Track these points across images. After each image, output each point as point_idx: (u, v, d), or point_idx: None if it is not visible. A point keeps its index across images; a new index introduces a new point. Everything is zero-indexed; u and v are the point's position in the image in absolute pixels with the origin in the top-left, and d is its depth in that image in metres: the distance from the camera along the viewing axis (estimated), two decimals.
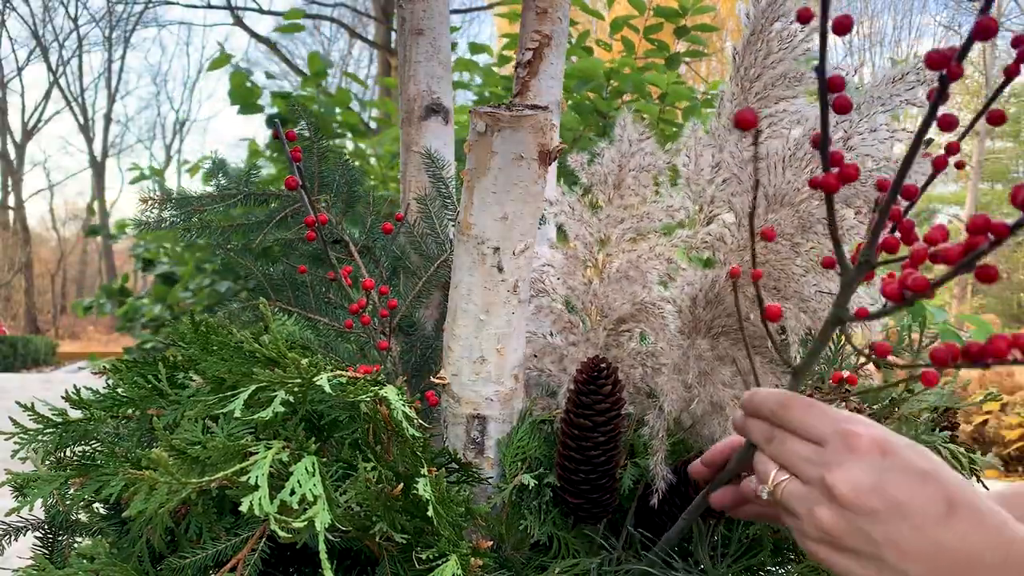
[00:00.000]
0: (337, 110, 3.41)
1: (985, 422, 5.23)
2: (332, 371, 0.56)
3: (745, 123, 0.45)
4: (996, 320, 7.28)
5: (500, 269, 0.68)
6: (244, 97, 3.21)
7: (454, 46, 4.25)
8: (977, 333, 1.44)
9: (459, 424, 0.72)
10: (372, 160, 3.28)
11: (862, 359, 0.85)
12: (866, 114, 0.63)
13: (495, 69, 3.19)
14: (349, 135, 3.51)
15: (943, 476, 0.45)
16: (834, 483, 0.46)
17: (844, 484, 0.45)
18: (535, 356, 0.79)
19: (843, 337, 0.82)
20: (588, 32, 3.19)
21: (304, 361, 0.55)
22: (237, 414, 0.52)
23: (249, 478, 0.48)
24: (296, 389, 0.55)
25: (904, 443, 0.47)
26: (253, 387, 0.54)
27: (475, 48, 3.20)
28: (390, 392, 0.57)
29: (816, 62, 0.43)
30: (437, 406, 0.76)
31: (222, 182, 0.96)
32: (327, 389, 0.54)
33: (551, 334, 0.79)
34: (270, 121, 3.22)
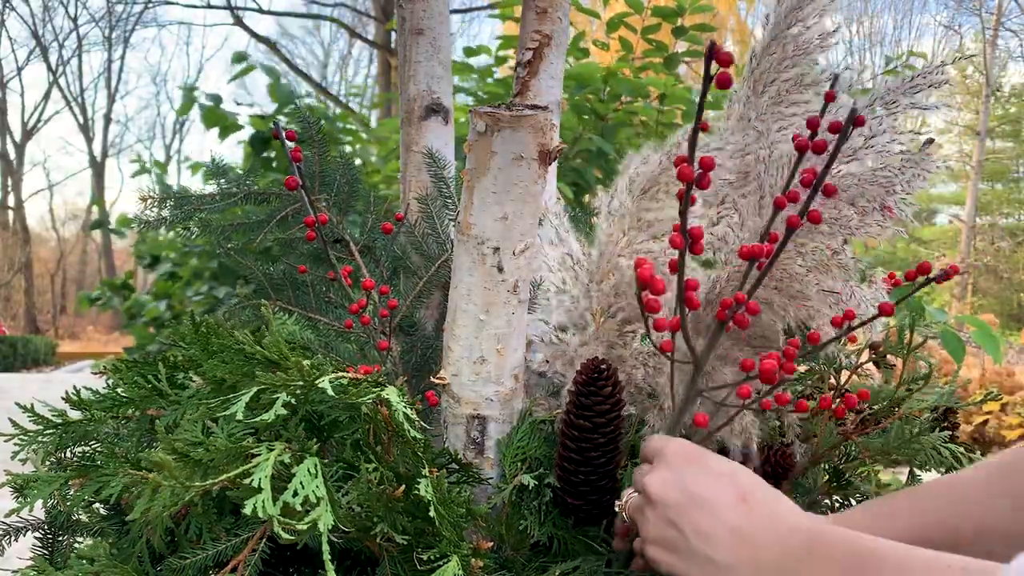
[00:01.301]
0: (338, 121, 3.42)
1: (985, 422, 5.23)
2: (334, 373, 0.56)
3: None
4: (995, 320, 7.28)
5: (500, 269, 0.68)
6: (217, 120, 3.23)
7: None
8: (977, 335, 1.43)
9: (459, 424, 0.72)
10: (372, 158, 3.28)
11: (862, 359, 0.85)
12: (886, 115, 0.63)
13: (493, 69, 3.18)
14: (357, 125, 3.51)
15: (737, 477, 0.53)
16: (646, 485, 0.55)
17: (652, 484, 0.55)
18: (546, 361, 0.79)
19: (844, 339, 0.82)
20: (584, 33, 3.18)
21: (306, 363, 0.55)
22: (239, 417, 0.52)
23: (252, 480, 0.48)
24: (298, 391, 0.55)
25: (711, 454, 0.56)
26: (255, 389, 0.54)
27: (469, 52, 3.19)
28: (391, 394, 0.57)
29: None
30: (437, 406, 0.76)
31: (222, 181, 0.95)
32: (330, 392, 0.54)
33: (566, 331, 0.78)
34: (253, 141, 3.22)
